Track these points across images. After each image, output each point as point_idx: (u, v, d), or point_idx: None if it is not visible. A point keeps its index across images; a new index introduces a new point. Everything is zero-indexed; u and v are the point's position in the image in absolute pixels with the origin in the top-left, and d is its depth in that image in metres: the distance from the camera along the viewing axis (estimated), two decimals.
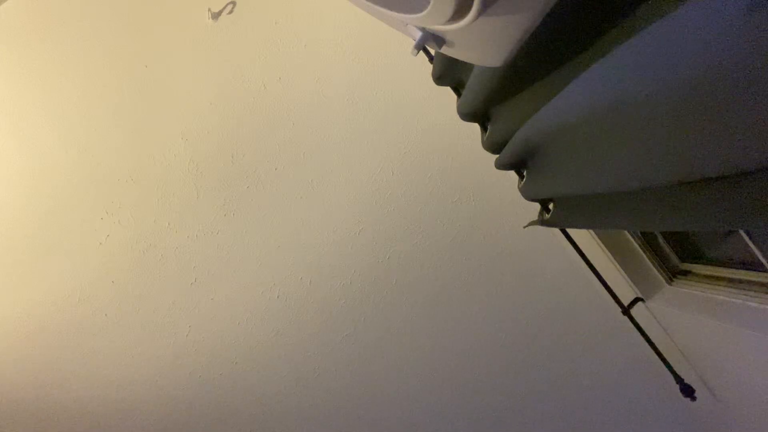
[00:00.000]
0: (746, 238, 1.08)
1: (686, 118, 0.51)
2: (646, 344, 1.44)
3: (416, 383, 1.87)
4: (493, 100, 1.10)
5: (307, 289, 1.87)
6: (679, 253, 1.49)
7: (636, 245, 1.53)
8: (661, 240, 1.51)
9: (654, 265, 1.51)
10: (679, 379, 1.43)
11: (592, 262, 1.43)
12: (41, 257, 1.85)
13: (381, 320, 1.87)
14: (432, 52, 1.44)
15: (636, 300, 1.49)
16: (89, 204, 1.86)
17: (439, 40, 0.66)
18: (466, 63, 1.09)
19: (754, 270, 1.14)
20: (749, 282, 1.16)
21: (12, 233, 1.85)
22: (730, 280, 1.23)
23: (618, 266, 1.53)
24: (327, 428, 1.89)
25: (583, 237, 1.56)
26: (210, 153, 1.88)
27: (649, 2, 0.57)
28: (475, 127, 1.34)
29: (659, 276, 1.51)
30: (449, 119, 1.76)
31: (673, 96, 0.51)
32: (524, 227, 1.47)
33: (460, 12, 0.51)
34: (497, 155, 1.25)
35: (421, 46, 0.67)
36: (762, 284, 1.11)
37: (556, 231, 1.51)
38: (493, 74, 0.96)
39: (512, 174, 1.30)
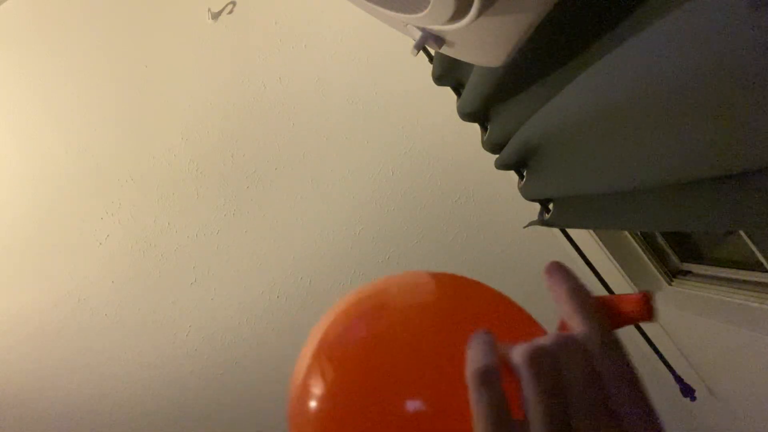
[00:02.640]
0: (746, 238, 1.08)
1: (687, 118, 0.51)
2: (646, 344, 1.44)
3: None
4: (493, 100, 1.10)
5: (307, 289, 1.87)
6: (679, 253, 1.49)
7: (636, 245, 1.53)
8: (661, 240, 1.51)
9: (654, 265, 1.51)
10: (679, 379, 1.43)
11: (592, 262, 1.43)
12: (41, 257, 1.85)
13: None
14: (432, 52, 1.44)
15: None
16: (89, 204, 1.86)
17: (439, 40, 0.66)
18: (466, 63, 1.09)
19: (754, 270, 1.14)
20: (749, 282, 1.16)
21: (12, 233, 1.85)
22: (730, 280, 1.23)
23: (618, 266, 1.53)
24: None
25: (583, 237, 1.56)
26: (210, 153, 1.88)
27: (649, 2, 0.57)
28: (475, 127, 1.34)
29: (659, 276, 1.51)
30: (449, 119, 1.76)
31: (673, 96, 0.51)
32: (524, 227, 1.47)
33: (460, 12, 0.51)
34: (497, 155, 1.25)
35: (421, 46, 0.67)
36: (762, 284, 1.11)
37: (556, 231, 1.51)
38: (493, 74, 0.96)
39: (512, 174, 1.30)
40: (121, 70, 1.88)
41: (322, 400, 0.36)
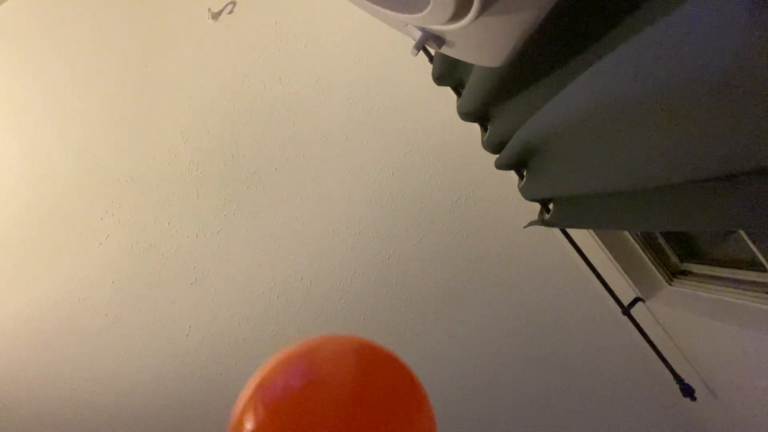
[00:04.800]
0: (746, 238, 1.08)
1: (686, 118, 0.51)
2: (646, 344, 1.44)
3: None
4: (493, 100, 1.10)
5: (307, 289, 1.87)
6: (679, 253, 1.49)
7: (636, 245, 1.53)
8: (661, 240, 1.51)
9: (654, 265, 1.51)
10: (679, 379, 1.43)
11: (592, 262, 1.43)
12: (41, 257, 1.85)
13: (380, 320, 1.87)
14: (432, 52, 1.44)
15: (636, 300, 1.49)
16: (89, 204, 1.86)
17: (439, 40, 0.66)
18: (466, 63, 1.09)
19: (754, 270, 1.14)
20: (749, 282, 1.16)
21: (12, 233, 1.85)
22: (730, 280, 1.23)
23: (618, 266, 1.53)
24: None
25: (583, 237, 1.56)
26: (210, 153, 1.88)
27: (650, 2, 0.57)
28: (475, 127, 1.35)
29: (659, 276, 1.51)
30: (449, 119, 1.76)
31: (673, 96, 0.51)
32: (524, 227, 1.47)
33: (460, 12, 0.51)
34: (497, 155, 1.25)
35: (421, 46, 0.67)
36: (762, 284, 1.11)
37: (556, 231, 1.51)
38: (493, 74, 0.97)
39: (512, 174, 1.30)
40: (122, 70, 1.88)
41: None
